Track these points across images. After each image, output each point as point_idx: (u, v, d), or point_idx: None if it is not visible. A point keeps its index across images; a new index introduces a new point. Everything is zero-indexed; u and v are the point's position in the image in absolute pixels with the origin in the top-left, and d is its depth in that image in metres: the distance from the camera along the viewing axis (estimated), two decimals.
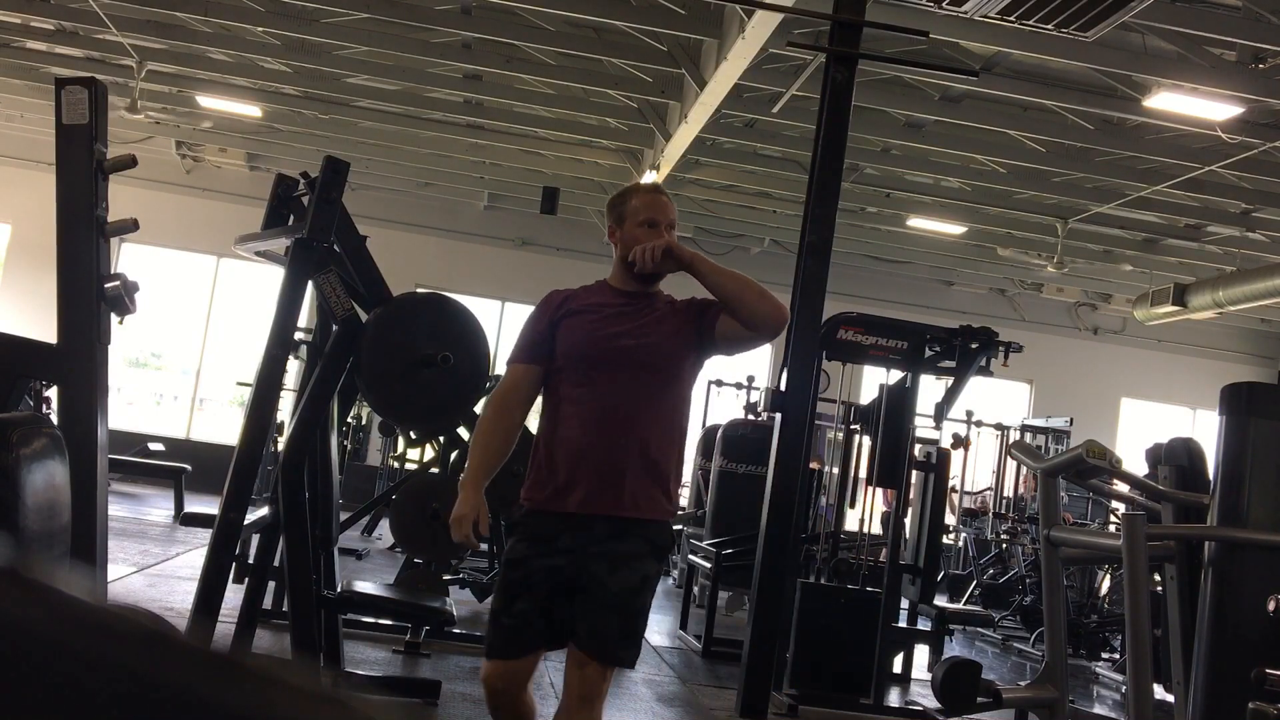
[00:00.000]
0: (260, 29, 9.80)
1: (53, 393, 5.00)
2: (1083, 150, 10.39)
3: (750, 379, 11.95)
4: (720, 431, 9.11)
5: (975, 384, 6.84)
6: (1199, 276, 12.97)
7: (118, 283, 3.54)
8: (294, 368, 8.46)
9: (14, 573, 0.47)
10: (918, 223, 13.10)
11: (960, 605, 9.75)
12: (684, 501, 12.54)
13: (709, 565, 7.27)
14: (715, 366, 14.05)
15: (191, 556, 7.92)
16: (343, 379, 4.38)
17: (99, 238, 3.53)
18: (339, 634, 4.75)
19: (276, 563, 4.60)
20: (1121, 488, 4.44)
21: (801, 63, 8.80)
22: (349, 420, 11.96)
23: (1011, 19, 6.10)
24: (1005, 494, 11.92)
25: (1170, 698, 3.95)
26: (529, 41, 9.34)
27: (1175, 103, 8.41)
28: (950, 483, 8.46)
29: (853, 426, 6.80)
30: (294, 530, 4.19)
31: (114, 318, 3.61)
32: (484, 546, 7.80)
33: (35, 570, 0.48)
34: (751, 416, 10.28)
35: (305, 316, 7.70)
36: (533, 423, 3.21)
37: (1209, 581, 3.60)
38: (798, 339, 5.73)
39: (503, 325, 15.09)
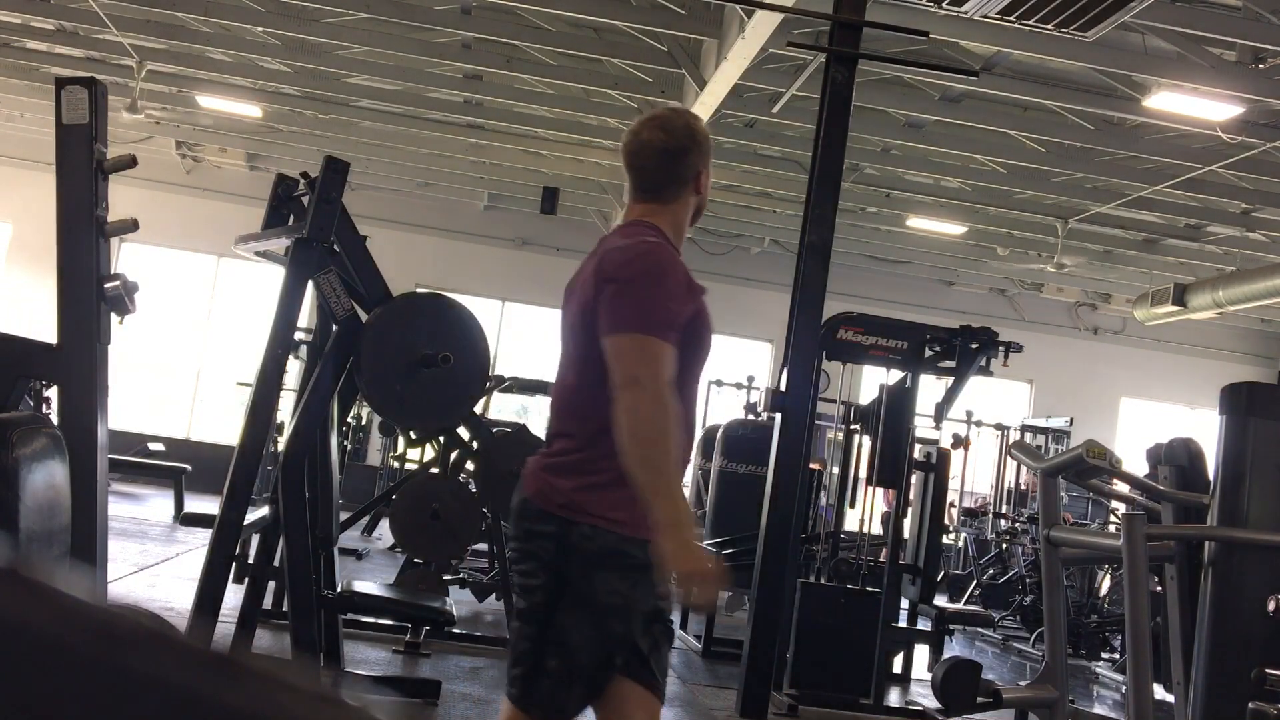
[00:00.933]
0: (260, 29, 9.80)
1: (53, 393, 5.00)
2: (1083, 150, 10.39)
3: (750, 379, 11.96)
4: (720, 431, 9.10)
5: (975, 384, 6.84)
6: (1199, 276, 12.97)
7: (118, 283, 3.54)
8: (294, 368, 8.46)
9: (14, 573, 0.47)
10: (918, 223, 13.10)
11: (960, 605, 9.75)
12: None
13: None
14: (716, 367, 14.05)
15: (191, 556, 7.91)
16: (343, 379, 4.38)
17: (99, 238, 3.53)
18: (339, 634, 4.75)
19: (276, 563, 4.60)
20: (1121, 488, 4.44)
21: (801, 63, 8.80)
22: (349, 420, 11.96)
23: (1011, 19, 6.10)
24: (1006, 492, 11.92)
25: (1170, 698, 3.94)
26: (529, 41, 9.34)
27: (1175, 103, 8.41)
28: (950, 497, 8.46)
29: (853, 426, 6.80)
30: (294, 530, 4.19)
31: (114, 318, 3.61)
32: (483, 546, 7.81)
33: (35, 570, 0.48)
34: (751, 416, 10.28)
35: (305, 316, 7.70)
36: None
37: (1209, 581, 3.60)
38: (798, 339, 5.73)
39: (503, 325, 15.09)
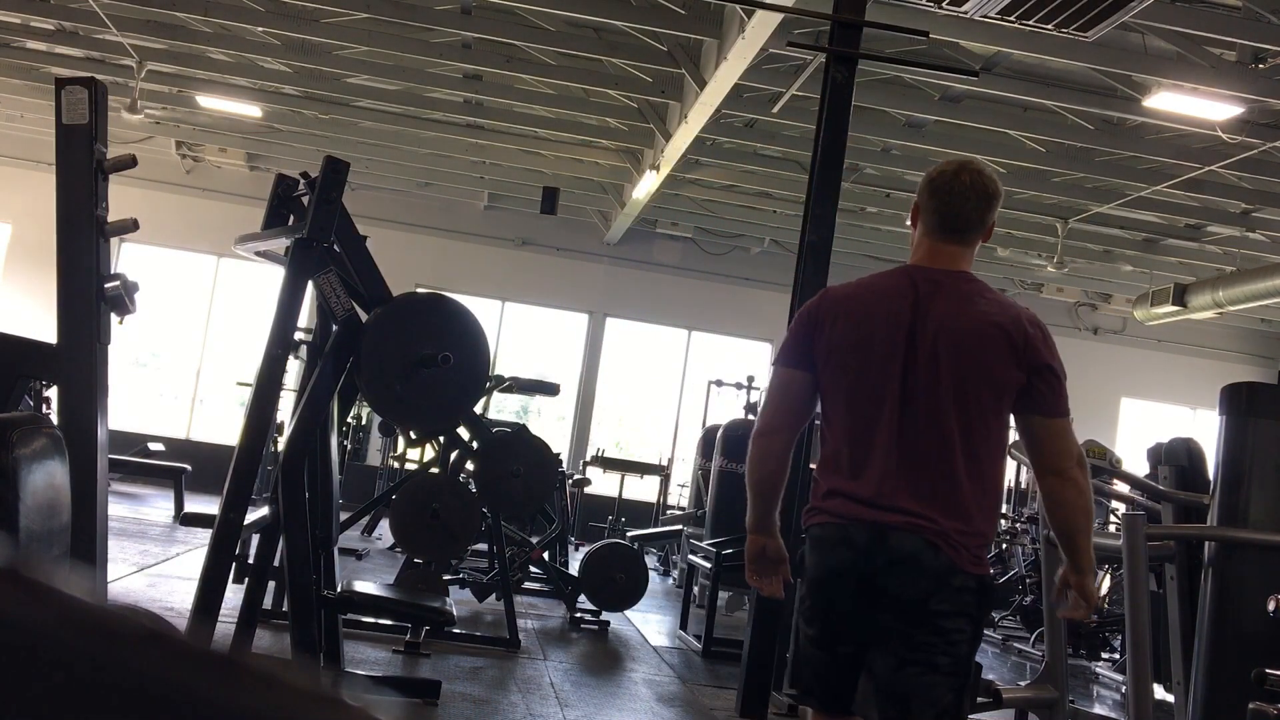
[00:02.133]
0: (260, 29, 9.80)
1: (53, 393, 5.00)
2: (1083, 150, 10.39)
3: (750, 379, 11.94)
4: (720, 431, 9.10)
5: None
6: (1199, 276, 12.97)
7: (118, 283, 3.54)
8: (294, 368, 8.46)
9: (14, 573, 0.47)
10: None
11: None
12: (684, 501, 12.56)
13: (709, 565, 7.27)
14: (715, 367, 14.06)
15: (191, 556, 7.92)
16: (343, 379, 4.38)
17: (99, 238, 3.53)
18: (339, 634, 4.75)
19: (276, 563, 4.60)
20: (1122, 488, 4.44)
21: (801, 63, 8.80)
22: (349, 420, 11.96)
23: (1011, 19, 6.10)
24: (1006, 491, 11.92)
25: (1170, 698, 3.95)
26: (529, 41, 9.34)
27: (1175, 103, 8.41)
28: None
29: None
30: (294, 530, 4.19)
31: (114, 318, 3.61)
32: (483, 546, 7.81)
33: (35, 570, 0.48)
34: (751, 416, 10.27)
35: (305, 316, 7.71)
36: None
37: (1209, 581, 3.60)
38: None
39: (503, 325, 15.09)
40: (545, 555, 7.94)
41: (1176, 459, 4.03)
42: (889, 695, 2.53)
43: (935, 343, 2.53)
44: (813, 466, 2.97)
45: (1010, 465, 12.24)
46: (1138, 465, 5.15)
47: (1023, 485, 11.96)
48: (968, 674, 2.55)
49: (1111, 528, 9.37)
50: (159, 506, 10.97)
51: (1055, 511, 2.65)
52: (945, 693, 2.50)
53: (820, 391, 2.67)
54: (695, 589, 8.43)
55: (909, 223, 2.80)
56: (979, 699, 3.81)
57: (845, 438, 2.60)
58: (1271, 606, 3.23)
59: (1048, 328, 2.63)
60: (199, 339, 15.04)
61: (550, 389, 9.46)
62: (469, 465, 6.57)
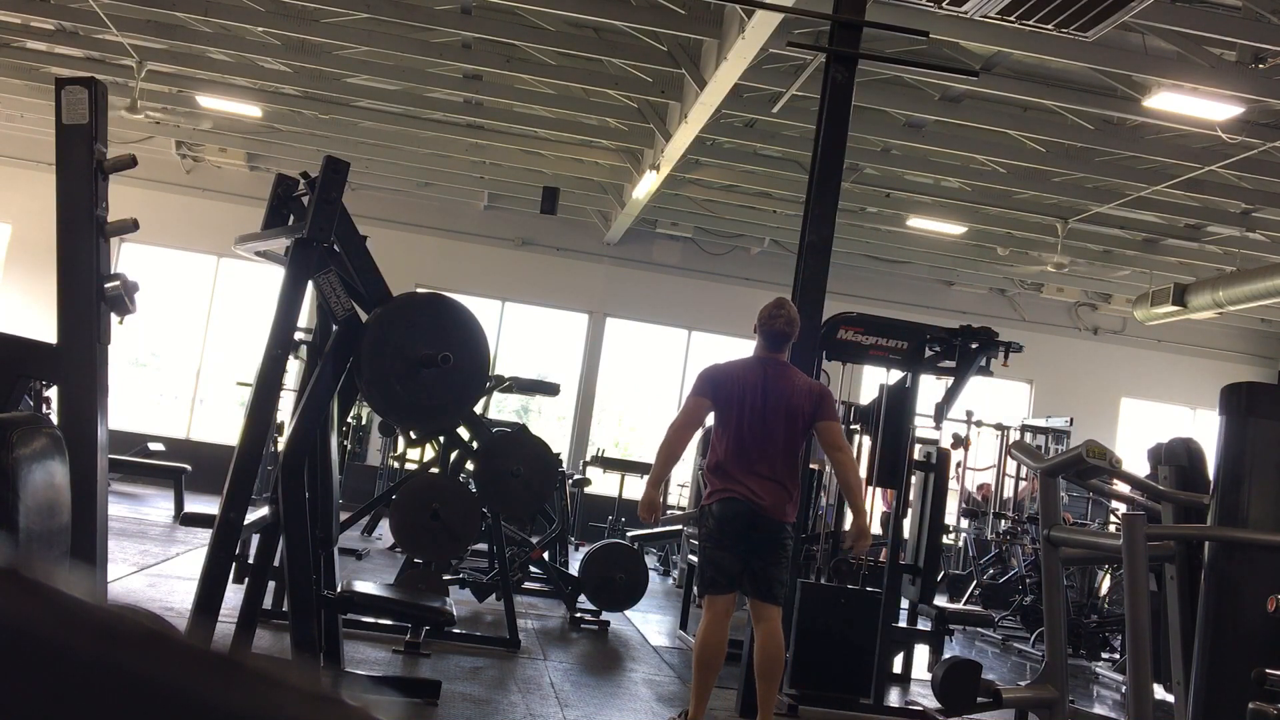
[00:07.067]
0: (260, 29, 9.80)
1: (53, 393, 5.00)
2: (1083, 150, 10.39)
3: None
4: None
5: (975, 384, 6.84)
6: (1199, 276, 12.97)
7: (118, 283, 3.54)
8: (294, 368, 8.46)
9: (14, 573, 0.47)
10: (918, 223, 13.10)
11: (960, 605, 9.75)
12: (684, 501, 12.56)
13: None
14: None
15: (191, 556, 7.92)
16: (343, 379, 4.38)
17: (99, 238, 3.53)
18: (339, 634, 4.75)
19: (276, 563, 4.60)
20: (1122, 488, 4.44)
21: (801, 63, 8.80)
22: (349, 420, 11.96)
23: (1011, 19, 6.10)
24: (1005, 494, 11.91)
25: (1170, 698, 3.94)
26: (529, 41, 9.34)
27: (1175, 103, 8.41)
28: (954, 469, 8.45)
29: (853, 426, 6.80)
30: (294, 530, 4.19)
31: (114, 318, 3.61)
32: (483, 546, 7.81)
33: (35, 570, 0.48)
34: None
35: (305, 316, 7.71)
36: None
37: (1209, 581, 3.60)
38: (798, 339, 5.72)
39: (503, 325, 15.09)
40: (545, 555, 7.94)
41: (1176, 459, 4.03)
42: (761, 578, 4.78)
43: (777, 401, 4.77)
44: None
45: (1010, 467, 12.13)
46: (1138, 465, 5.14)
47: (1020, 491, 11.95)
48: (790, 567, 4.94)
49: (1111, 528, 9.37)
50: (159, 506, 10.97)
51: (839, 471, 5.00)
52: (786, 574, 4.87)
53: (714, 421, 4.91)
54: (695, 589, 8.42)
55: (753, 332, 4.98)
56: (979, 699, 3.81)
57: (731, 452, 4.77)
58: (1271, 606, 3.23)
59: (830, 391, 5.04)
60: (199, 339, 15.04)
61: (550, 389, 9.45)
62: (469, 465, 6.57)
